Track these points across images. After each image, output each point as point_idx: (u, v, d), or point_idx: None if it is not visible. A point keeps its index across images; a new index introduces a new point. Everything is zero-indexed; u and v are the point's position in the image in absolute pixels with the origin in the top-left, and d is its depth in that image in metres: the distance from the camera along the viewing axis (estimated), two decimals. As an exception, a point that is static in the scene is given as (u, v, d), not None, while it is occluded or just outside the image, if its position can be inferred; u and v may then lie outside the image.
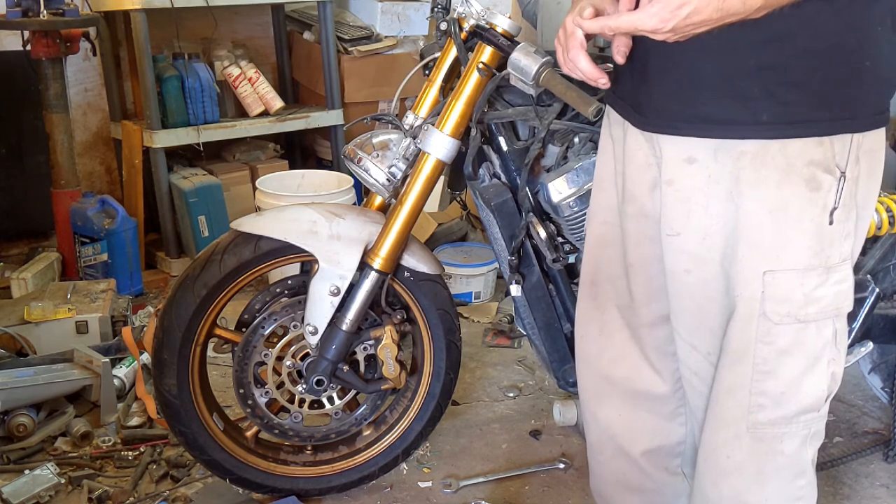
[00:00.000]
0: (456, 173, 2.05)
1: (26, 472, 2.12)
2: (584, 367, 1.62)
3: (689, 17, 1.10)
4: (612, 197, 1.47)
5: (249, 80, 3.71)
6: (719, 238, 1.27)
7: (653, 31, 1.13)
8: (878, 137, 1.25)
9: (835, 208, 1.23)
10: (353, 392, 2.04)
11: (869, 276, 2.06)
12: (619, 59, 1.27)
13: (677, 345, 1.43)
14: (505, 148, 1.94)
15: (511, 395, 2.63)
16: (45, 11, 3.05)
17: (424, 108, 1.95)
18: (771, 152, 1.20)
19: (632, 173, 1.39)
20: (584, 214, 1.81)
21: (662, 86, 1.26)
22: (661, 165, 1.31)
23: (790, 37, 1.15)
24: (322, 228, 1.87)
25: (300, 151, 4.17)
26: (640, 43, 1.26)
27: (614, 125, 1.45)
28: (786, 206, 1.22)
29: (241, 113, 3.75)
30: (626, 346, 1.53)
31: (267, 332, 1.95)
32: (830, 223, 1.23)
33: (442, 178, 1.93)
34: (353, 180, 3.24)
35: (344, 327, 1.89)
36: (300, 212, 1.91)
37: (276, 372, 1.97)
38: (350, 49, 3.84)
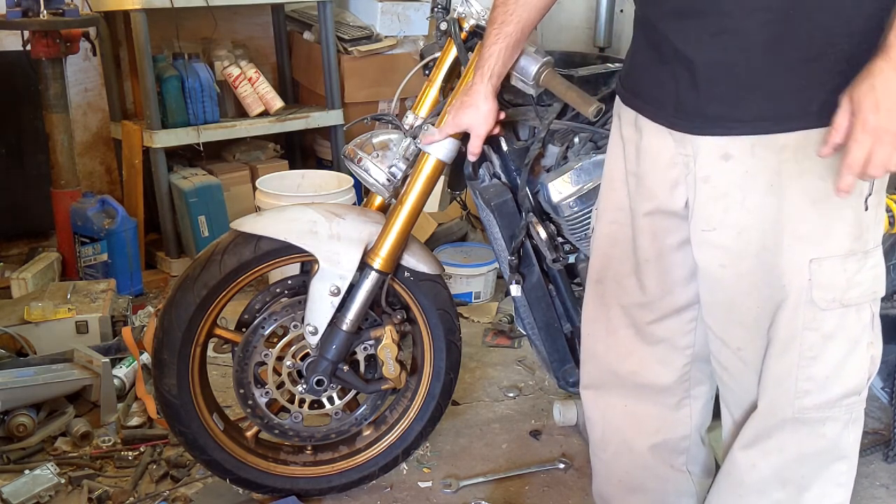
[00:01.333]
0: (456, 173, 2.05)
1: (26, 472, 2.12)
2: (591, 363, 1.63)
3: None
4: (622, 197, 1.48)
5: (249, 80, 3.70)
6: (756, 232, 1.30)
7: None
8: None
9: (869, 194, 1.28)
10: (353, 392, 2.04)
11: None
12: None
13: (710, 341, 1.46)
14: (505, 148, 1.94)
15: (511, 395, 2.63)
16: (45, 11, 3.05)
17: (424, 108, 1.94)
18: (813, 144, 1.23)
19: (650, 172, 1.40)
20: (585, 214, 1.81)
21: (711, 91, 1.27)
22: (692, 164, 1.32)
23: (828, 26, 1.18)
24: (322, 228, 1.87)
25: (300, 151, 4.17)
26: (681, 49, 1.28)
27: (626, 125, 1.46)
28: (829, 195, 1.25)
29: (241, 113, 3.75)
30: (631, 343, 1.54)
31: (267, 332, 1.95)
32: (866, 209, 1.28)
33: (442, 178, 1.93)
34: (353, 180, 3.23)
35: (344, 327, 1.89)
36: (300, 212, 1.90)
37: (277, 372, 1.97)
38: (350, 49, 3.84)
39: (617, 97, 1.51)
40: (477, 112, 1.68)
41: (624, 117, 1.46)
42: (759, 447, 1.41)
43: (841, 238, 1.28)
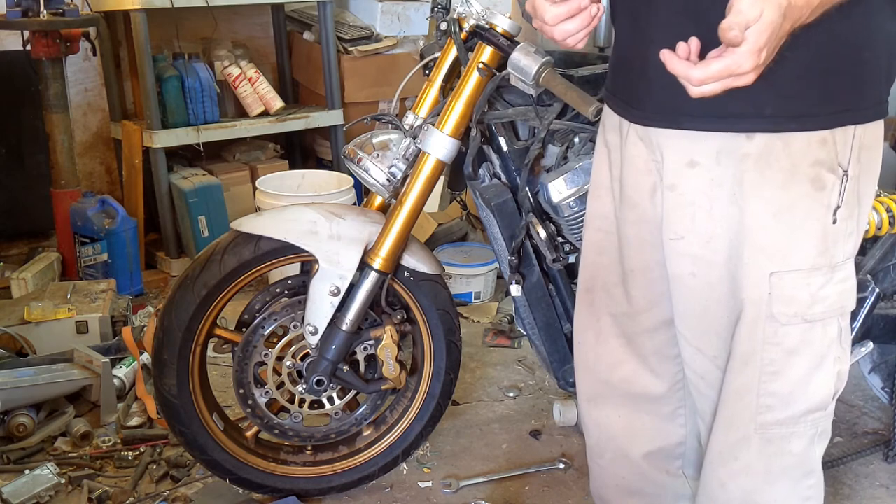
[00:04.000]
0: (456, 173, 2.05)
1: (26, 472, 2.11)
2: (583, 372, 1.61)
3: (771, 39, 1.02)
4: (607, 204, 1.46)
5: (249, 80, 3.71)
6: (724, 241, 1.27)
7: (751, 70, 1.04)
8: (877, 132, 1.26)
9: (838, 207, 1.23)
10: (353, 392, 2.04)
11: (869, 276, 2.06)
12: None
13: (682, 348, 1.42)
14: (505, 148, 1.94)
15: (511, 395, 2.63)
16: (45, 11, 3.05)
17: (424, 108, 1.95)
18: (775, 153, 1.20)
19: (631, 179, 1.38)
20: (584, 214, 1.80)
21: (664, 80, 1.21)
22: (661, 170, 1.30)
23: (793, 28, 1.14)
24: (322, 228, 1.87)
25: (300, 151, 4.17)
26: (637, 38, 1.25)
27: (610, 130, 1.43)
28: (791, 206, 1.22)
29: (241, 113, 3.75)
30: (622, 353, 1.52)
31: (267, 332, 1.95)
32: (834, 222, 1.24)
33: (442, 178, 1.93)
34: (353, 180, 3.24)
35: (344, 327, 1.89)
36: (300, 212, 1.90)
37: (276, 372, 1.97)
38: (350, 49, 3.84)
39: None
40: None
41: (608, 122, 1.44)
42: (727, 467, 1.38)
43: (805, 251, 1.24)
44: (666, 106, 1.25)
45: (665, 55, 1.07)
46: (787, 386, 1.30)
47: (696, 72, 1.05)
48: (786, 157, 1.20)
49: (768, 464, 1.35)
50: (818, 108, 1.19)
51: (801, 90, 1.17)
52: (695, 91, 1.06)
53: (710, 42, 1.13)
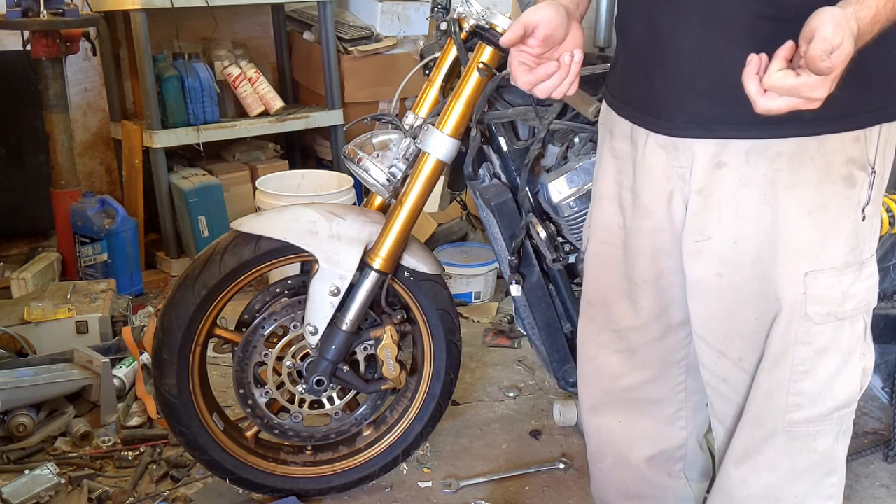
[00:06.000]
0: (456, 173, 2.05)
1: (26, 472, 2.12)
2: (584, 383, 1.61)
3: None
4: (611, 215, 1.43)
5: (249, 80, 3.71)
6: (752, 242, 1.26)
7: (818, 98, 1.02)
8: (893, 129, 1.26)
9: (867, 203, 1.24)
10: (353, 392, 2.04)
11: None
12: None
13: (701, 353, 1.40)
14: (505, 148, 1.94)
15: (511, 395, 2.63)
16: (45, 11, 3.05)
17: (424, 108, 1.95)
18: (809, 152, 1.19)
19: (647, 187, 1.35)
20: (585, 214, 1.80)
21: (694, 87, 1.22)
22: (688, 175, 1.28)
23: None
24: (322, 228, 1.87)
25: (300, 151, 4.17)
26: (658, 46, 1.24)
27: (619, 139, 1.40)
28: (825, 205, 1.22)
29: (241, 113, 3.75)
30: (622, 366, 1.51)
31: (267, 332, 1.95)
32: (863, 219, 1.24)
33: (442, 178, 1.93)
34: (353, 180, 3.24)
35: (344, 327, 1.89)
36: (300, 212, 1.91)
37: (276, 372, 1.97)
38: (350, 49, 3.84)
39: (604, 110, 1.45)
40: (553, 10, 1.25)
41: (617, 131, 1.40)
42: (749, 463, 1.38)
43: (837, 250, 1.24)
44: (699, 116, 1.23)
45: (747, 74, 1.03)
46: (816, 385, 1.30)
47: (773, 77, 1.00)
48: (820, 156, 1.20)
49: (793, 461, 1.35)
50: (856, 108, 1.19)
51: (840, 91, 1.13)
52: (761, 105, 1.03)
53: (738, 53, 1.11)
